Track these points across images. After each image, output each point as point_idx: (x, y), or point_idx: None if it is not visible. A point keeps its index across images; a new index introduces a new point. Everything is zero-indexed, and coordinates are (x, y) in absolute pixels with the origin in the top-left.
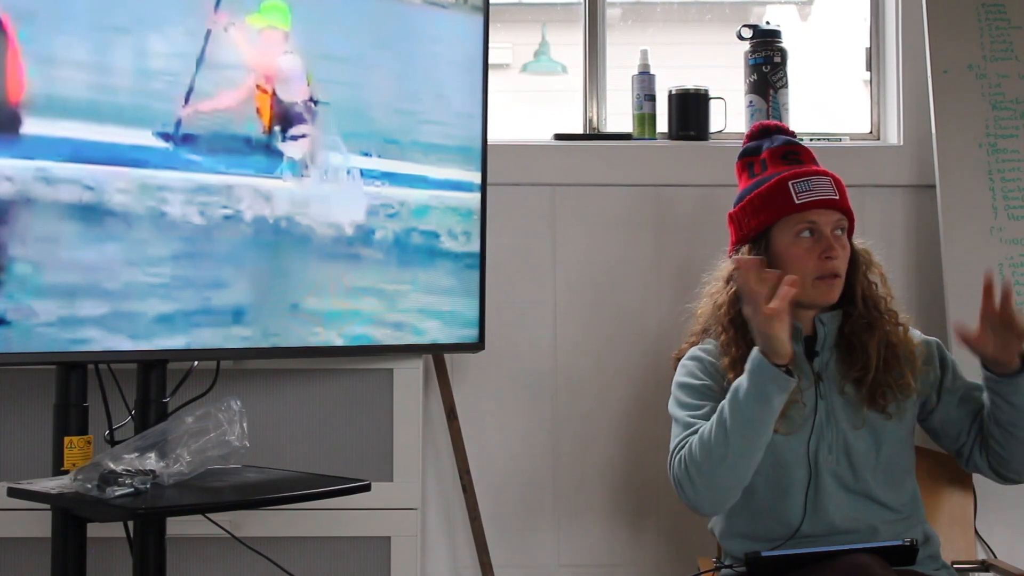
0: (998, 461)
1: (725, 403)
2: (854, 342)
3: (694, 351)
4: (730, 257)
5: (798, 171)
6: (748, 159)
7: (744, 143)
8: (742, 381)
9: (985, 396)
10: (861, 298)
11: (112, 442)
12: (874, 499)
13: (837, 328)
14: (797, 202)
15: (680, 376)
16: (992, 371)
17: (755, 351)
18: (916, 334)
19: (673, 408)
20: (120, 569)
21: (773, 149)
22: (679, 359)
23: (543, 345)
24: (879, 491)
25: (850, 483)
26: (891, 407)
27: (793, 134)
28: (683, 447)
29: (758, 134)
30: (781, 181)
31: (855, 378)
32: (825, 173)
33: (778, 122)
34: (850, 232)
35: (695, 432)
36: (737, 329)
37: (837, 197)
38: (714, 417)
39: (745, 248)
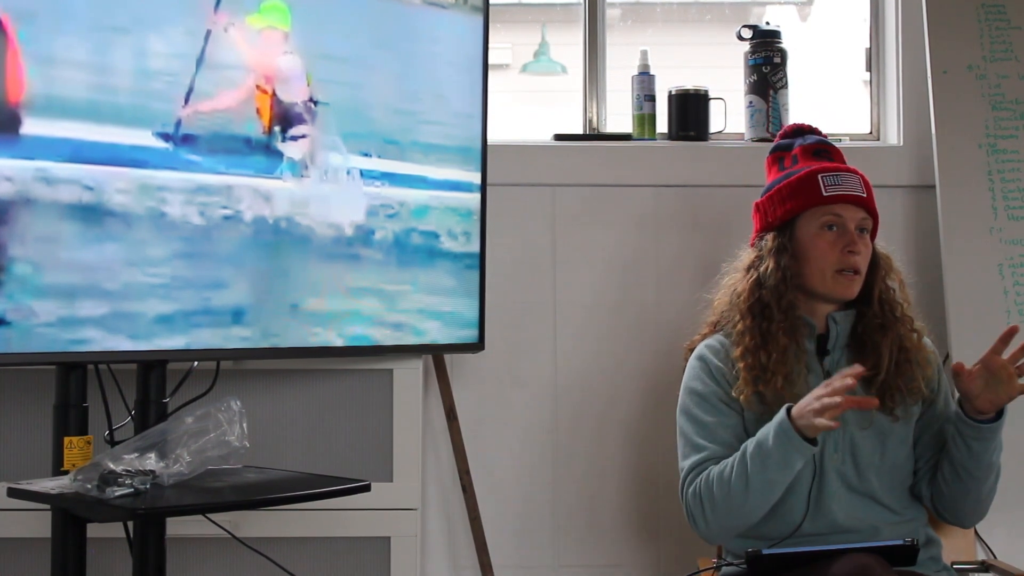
0: (940, 499)
1: (749, 453)
2: (866, 341)
3: (700, 349)
4: (752, 246)
5: (828, 166)
6: (779, 154)
7: (776, 140)
8: (769, 440)
9: (952, 420)
10: (877, 300)
11: (112, 442)
12: (877, 500)
13: (850, 328)
14: (825, 194)
15: (688, 379)
16: (965, 410)
17: (785, 417)
18: (928, 343)
19: (680, 417)
20: (120, 569)
21: (805, 146)
22: (691, 350)
23: (543, 345)
24: (882, 493)
25: (854, 483)
26: (899, 410)
27: (825, 136)
28: (698, 479)
29: (791, 133)
30: (811, 173)
31: (865, 378)
32: (855, 171)
33: (811, 125)
34: (873, 234)
35: (706, 460)
36: (754, 318)
37: (864, 195)
38: (735, 461)
39: (770, 236)
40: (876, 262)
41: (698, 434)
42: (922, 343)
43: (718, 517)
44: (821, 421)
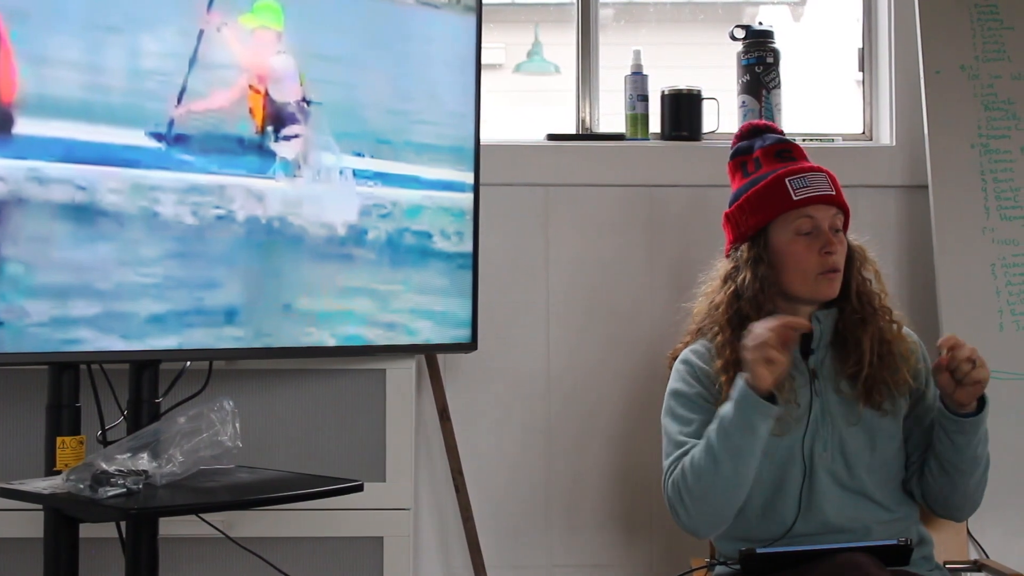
0: (929, 493)
1: (712, 430)
2: (848, 337)
3: (685, 353)
4: (727, 257)
5: (794, 168)
6: (741, 158)
7: (734, 143)
8: (728, 409)
9: (935, 417)
10: (855, 294)
11: (104, 442)
12: (869, 497)
13: (832, 325)
14: (795, 198)
15: (672, 382)
16: (946, 405)
17: (740, 381)
18: (909, 333)
19: (665, 419)
20: (113, 569)
21: (766, 148)
22: (675, 358)
23: (536, 345)
24: (874, 489)
25: (845, 480)
26: (886, 404)
27: (783, 133)
28: (675, 470)
29: (748, 133)
30: (778, 178)
31: (850, 374)
32: (820, 169)
33: (767, 121)
34: (845, 227)
35: (686, 454)
36: (733, 330)
37: (834, 192)
38: (702, 442)
39: (744, 246)
40: (850, 255)
41: (681, 432)
42: (902, 333)
43: (696, 503)
44: (755, 359)
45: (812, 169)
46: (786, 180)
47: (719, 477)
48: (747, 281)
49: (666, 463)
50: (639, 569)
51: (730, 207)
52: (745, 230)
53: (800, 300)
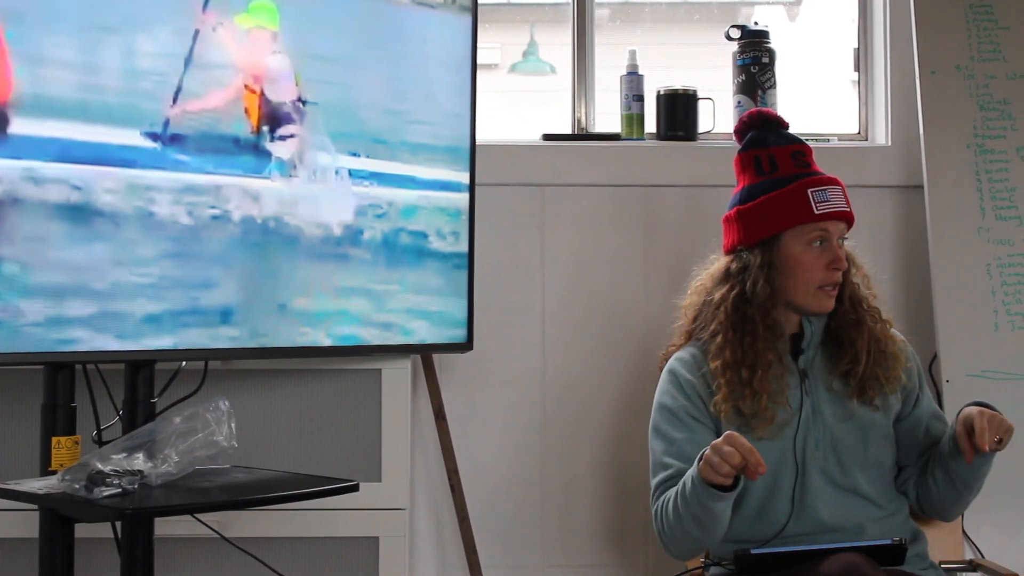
0: (927, 498)
1: (678, 491)
2: (842, 337)
3: (671, 363)
4: (727, 254)
5: (817, 179)
6: (753, 152)
7: (742, 130)
8: (687, 485)
9: (946, 441)
10: (848, 298)
11: (100, 442)
12: (861, 494)
13: (823, 326)
14: (816, 212)
15: (659, 393)
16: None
17: (697, 472)
18: (896, 333)
19: (651, 434)
20: (108, 570)
21: (781, 148)
22: (666, 358)
23: (531, 345)
24: (866, 486)
25: (838, 478)
26: (878, 400)
27: (788, 125)
28: (659, 500)
29: (758, 124)
30: (801, 188)
31: (844, 371)
32: (837, 182)
33: (771, 111)
34: None
35: (670, 478)
36: (735, 331)
37: (848, 208)
38: (676, 490)
39: (757, 250)
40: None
41: (666, 452)
42: (891, 333)
43: (675, 542)
44: (706, 467)
45: (831, 182)
46: (809, 191)
47: (685, 532)
48: (759, 286)
49: (652, 483)
50: (634, 569)
51: (745, 204)
52: (760, 234)
53: (795, 308)
